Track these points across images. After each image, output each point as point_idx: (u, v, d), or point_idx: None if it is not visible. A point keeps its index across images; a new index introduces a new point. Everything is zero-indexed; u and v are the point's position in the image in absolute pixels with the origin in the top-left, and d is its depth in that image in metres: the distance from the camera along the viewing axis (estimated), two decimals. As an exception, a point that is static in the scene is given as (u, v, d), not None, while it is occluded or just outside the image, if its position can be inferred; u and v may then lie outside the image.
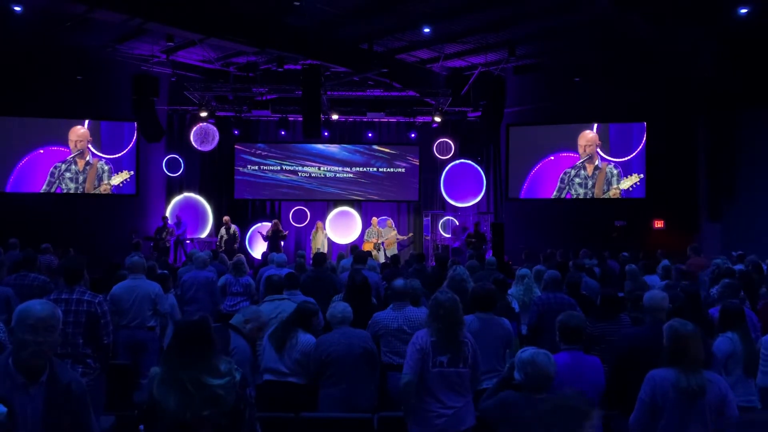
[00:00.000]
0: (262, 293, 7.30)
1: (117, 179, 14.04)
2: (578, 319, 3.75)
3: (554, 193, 14.36)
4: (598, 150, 14.15)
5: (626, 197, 13.93)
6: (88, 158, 13.88)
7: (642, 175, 13.82)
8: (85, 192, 13.78)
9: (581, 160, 14.20)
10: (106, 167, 13.97)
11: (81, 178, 13.84)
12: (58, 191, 13.70)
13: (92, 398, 3.97)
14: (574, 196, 14.25)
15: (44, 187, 13.64)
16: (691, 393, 3.00)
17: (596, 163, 14.13)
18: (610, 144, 14.15)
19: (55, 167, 13.71)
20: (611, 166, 14.06)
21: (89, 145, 13.86)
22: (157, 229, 13.61)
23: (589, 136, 14.23)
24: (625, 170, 14.02)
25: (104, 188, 13.93)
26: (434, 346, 3.51)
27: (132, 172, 14.08)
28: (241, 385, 2.67)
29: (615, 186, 14.00)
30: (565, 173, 14.33)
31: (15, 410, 2.36)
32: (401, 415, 3.76)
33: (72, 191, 13.72)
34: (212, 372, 2.60)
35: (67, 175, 13.77)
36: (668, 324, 3.21)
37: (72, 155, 13.77)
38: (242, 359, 3.53)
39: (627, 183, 13.96)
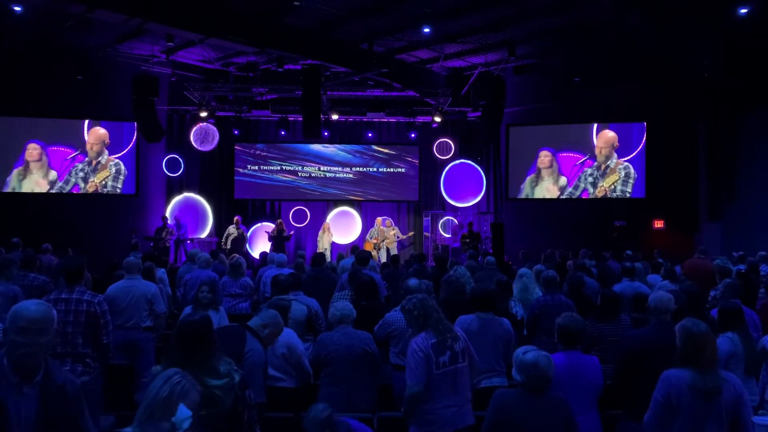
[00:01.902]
0: (262, 293, 7.33)
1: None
2: (579, 323, 3.74)
3: (570, 189, 14.25)
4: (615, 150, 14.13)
5: (624, 197, 13.91)
6: (100, 159, 13.87)
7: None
8: (87, 191, 13.77)
9: (598, 161, 14.15)
10: (114, 169, 13.93)
11: (92, 177, 13.86)
12: (75, 190, 13.72)
13: (91, 397, 3.99)
14: (591, 194, 14.17)
15: (61, 183, 13.64)
16: (707, 393, 2.97)
17: (609, 162, 14.07)
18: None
19: (75, 167, 13.75)
20: (622, 166, 13.97)
21: (105, 148, 13.90)
22: (156, 230, 13.62)
23: (607, 135, 14.12)
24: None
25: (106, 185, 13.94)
26: (434, 347, 3.50)
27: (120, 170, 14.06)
28: (240, 387, 2.67)
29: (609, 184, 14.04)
30: (584, 173, 14.25)
31: (8, 410, 2.36)
32: (401, 415, 3.76)
33: (83, 190, 13.76)
34: (211, 372, 2.60)
35: (81, 174, 13.79)
36: (680, 324, 3.18)
37: (89, 157, 13.81)
38: (256, 363, 3.48)
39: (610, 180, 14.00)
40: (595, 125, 14.16)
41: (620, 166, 13.95)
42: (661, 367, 3.14)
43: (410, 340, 3.61)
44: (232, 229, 13.87)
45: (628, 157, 13.93)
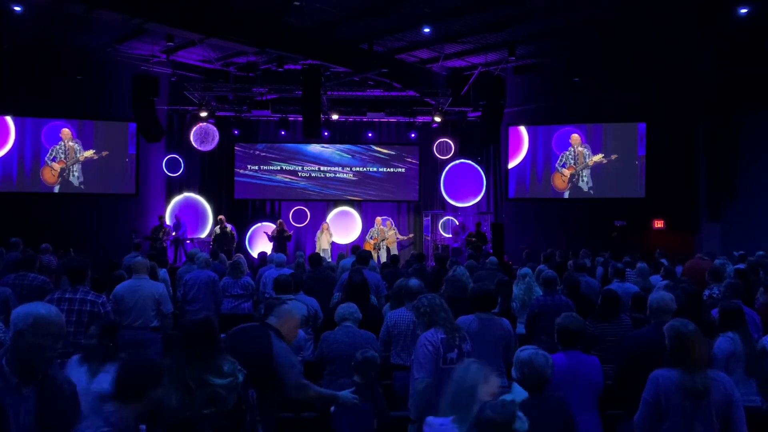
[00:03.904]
0: (262, 293, 7.32)
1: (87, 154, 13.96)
2: (578, 323, 3.74)
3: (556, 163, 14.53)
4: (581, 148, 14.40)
5: (624, 197, 13.91)
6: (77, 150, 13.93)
7: (602, 155, 14.16)
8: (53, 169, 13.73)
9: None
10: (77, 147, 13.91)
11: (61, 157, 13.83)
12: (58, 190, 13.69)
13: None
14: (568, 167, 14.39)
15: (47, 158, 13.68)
16: (696, 393, 2.98)
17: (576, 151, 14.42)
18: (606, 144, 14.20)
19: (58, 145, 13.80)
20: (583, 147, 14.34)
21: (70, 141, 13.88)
22: (153, 229, 13.61)
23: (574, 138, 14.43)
24: (594, 151, 14.31)
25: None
26: (443, 343, 3.52)
27: (99, 151, 13.99)
28: (244, 387, 2.67)
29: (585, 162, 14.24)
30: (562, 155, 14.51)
31: (7, 411, 2.36)
32: (402, 415, 3.76)
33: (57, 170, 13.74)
34: (215, 371, 2.61)
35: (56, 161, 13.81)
36: (669, 324, 3.19)
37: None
38: (289, 363, 3.33)
39: (595, 159, 14.21)
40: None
41: (585, 168, 14.19)
42: (660, 367, 3.15)
43: (419, 337, 3.66)
44: (216, 229, 13.84)
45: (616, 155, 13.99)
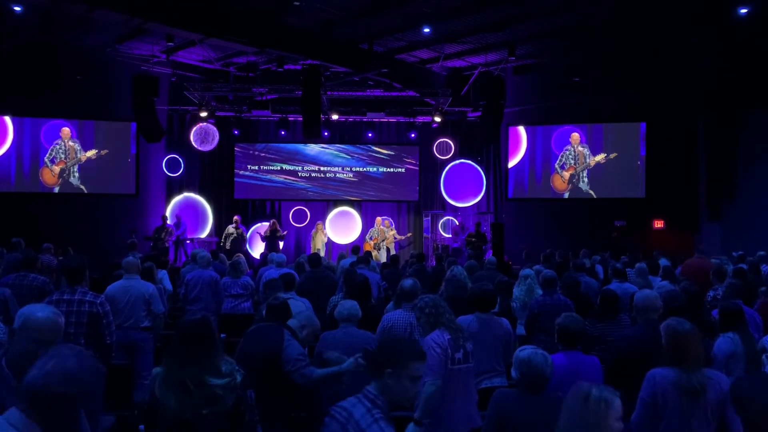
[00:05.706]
0: (262, 293, 7.33)
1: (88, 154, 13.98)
2: (578, 323, 3.74)
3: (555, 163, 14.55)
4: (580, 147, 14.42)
5: (624, 197, 13.91)
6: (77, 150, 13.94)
7: (604, 155, 14.17)
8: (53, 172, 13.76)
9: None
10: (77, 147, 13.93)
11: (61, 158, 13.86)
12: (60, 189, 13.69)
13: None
14: (567, 167, 14.42)
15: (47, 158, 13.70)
16: (692, 392, 2.99)
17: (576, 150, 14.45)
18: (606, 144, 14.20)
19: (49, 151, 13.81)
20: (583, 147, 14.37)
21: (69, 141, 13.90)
22: (156, 229, 13.60)
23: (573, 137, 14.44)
24: (594, 151, 14.32)
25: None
26: (450, 344, 3.56)
27: (99, 151, 13.99)
28: (242, 387, 2.67)
29: (585, 162, 14.28)
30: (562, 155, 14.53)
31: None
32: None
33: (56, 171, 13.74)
34: (213, 372, 2.61)
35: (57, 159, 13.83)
36: (666, 323, 3.21)
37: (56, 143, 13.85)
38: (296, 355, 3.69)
39: (597, 159, 14.25)
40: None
41: (583, 169, 14.24)
42: (651, 366, 3.16)
43: (424, 339, 3.65)
44: (231, 229, 13.86)
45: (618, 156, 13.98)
